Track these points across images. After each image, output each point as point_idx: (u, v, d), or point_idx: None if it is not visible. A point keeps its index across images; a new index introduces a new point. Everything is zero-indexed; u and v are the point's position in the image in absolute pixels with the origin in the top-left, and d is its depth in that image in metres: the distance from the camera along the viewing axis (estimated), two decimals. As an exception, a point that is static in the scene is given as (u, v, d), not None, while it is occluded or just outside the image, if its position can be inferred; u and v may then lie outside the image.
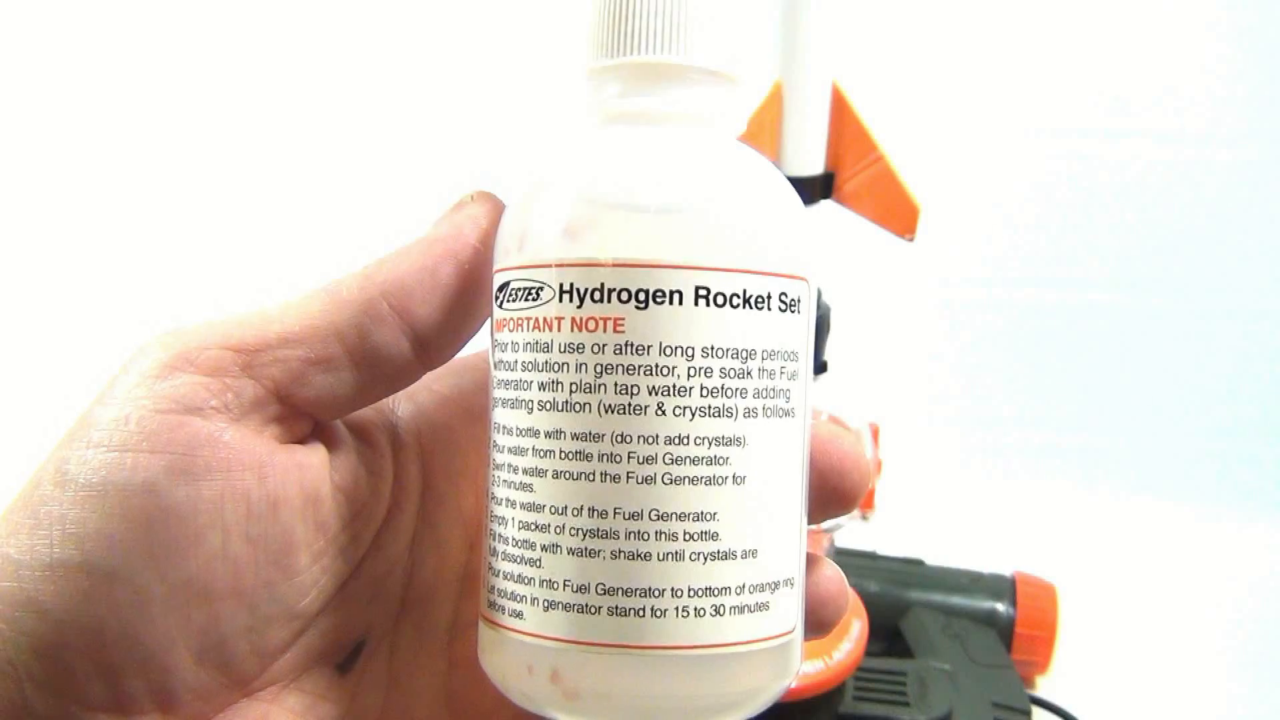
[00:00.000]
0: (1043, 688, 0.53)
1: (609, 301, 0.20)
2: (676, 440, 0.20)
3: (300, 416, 0.22)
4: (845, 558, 0.53)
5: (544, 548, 0.20)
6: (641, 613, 0.20)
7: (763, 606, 0.21)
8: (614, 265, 0.20)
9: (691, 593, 0.20)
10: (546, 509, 0.20)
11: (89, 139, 0.73)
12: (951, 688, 0.45)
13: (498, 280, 0.22)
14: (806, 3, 0.33)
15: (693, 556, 0.20)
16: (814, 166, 0.36)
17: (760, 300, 0.21)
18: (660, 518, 0.20)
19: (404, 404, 0.25)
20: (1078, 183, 0.72)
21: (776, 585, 0.21)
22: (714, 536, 0.20)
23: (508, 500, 0.21)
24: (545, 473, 0.20)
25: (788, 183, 0.22)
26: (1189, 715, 0.52)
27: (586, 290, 0.20)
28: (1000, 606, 0.52)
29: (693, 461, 0.20)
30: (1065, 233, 0.73)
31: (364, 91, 0.73)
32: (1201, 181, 0.71)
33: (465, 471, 0.25)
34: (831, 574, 0.24)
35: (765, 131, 0.35)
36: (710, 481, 0.20)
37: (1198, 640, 0.58)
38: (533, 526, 0.21)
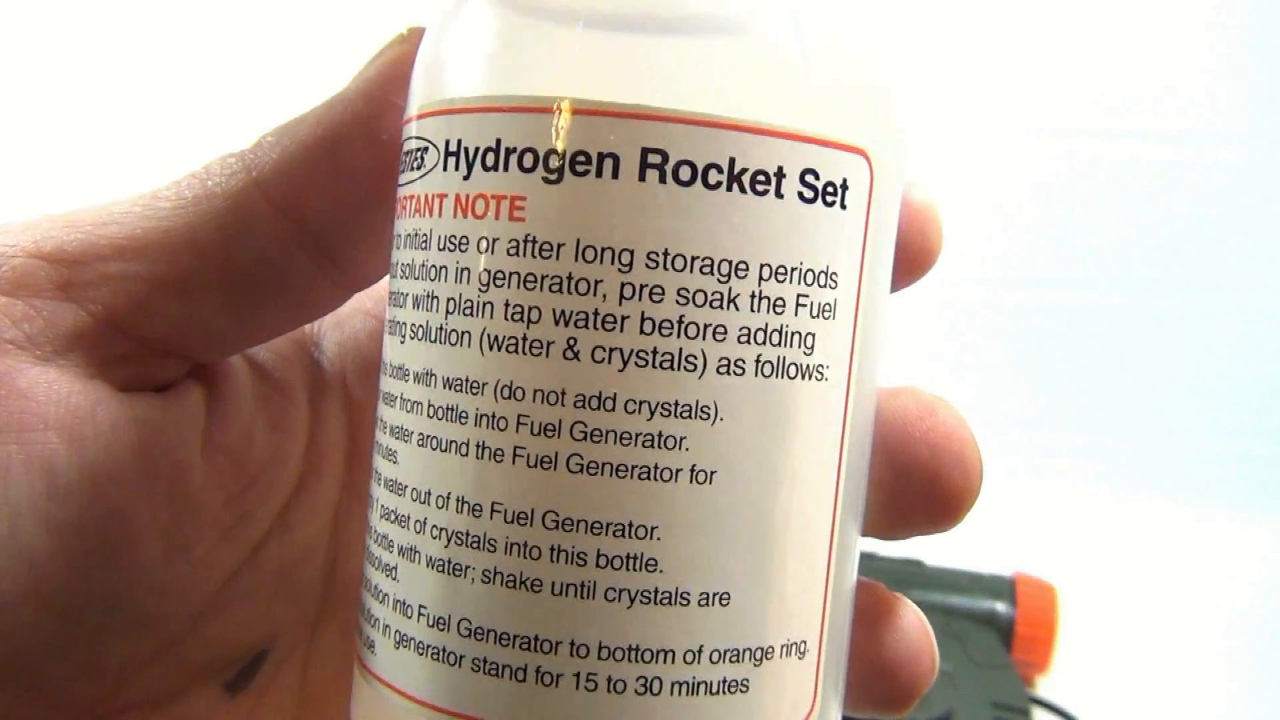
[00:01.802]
0: (1043, 688, 0.53)
1: (505, 170, 0.13)
2: (595, 401, 0.13)
3: (162, 357, 0.16)
4: (845, 558, 0.53)
5: (401, 551, 0.14)
6: (521, 674, 0.13)
7: (737, 686, 0.13)
8: (515, 109, 0.12)
9: (605, 652, 0.13)
10: (408, 492, 0.14)
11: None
12: (951, 688, 0.45)
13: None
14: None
15: (610, 594, 0.13)
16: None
17: (763, 179, 0.12)
18: (560, 525, 0.13)
19: (329, 332, 0.19)
20: (1078, 183, 0.72)
21: (767, 653, 0.13)
22: (650, 565, 0.13)
23: (375, 472, 0.15)
24: (410, 436, 0.14)
25: None
26: (1189, 715, 0.52)
27: (476, 151, 0.13)
28: (1000, 606, 0.52)
29: (621, 439, 0.13)
30: (1065, 233, 0.73)
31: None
32: (1201, 181, 0.71)
33: None
34: (908, 625, 0.17)
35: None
36: (649, 474, 0.13)
37: (1198, 640, 0.58)
38: (394, 517, 0.14)
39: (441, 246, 0.13)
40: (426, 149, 0.14)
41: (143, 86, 0.72)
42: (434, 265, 0.13)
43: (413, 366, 0.14)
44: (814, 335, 0.13)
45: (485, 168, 0.13)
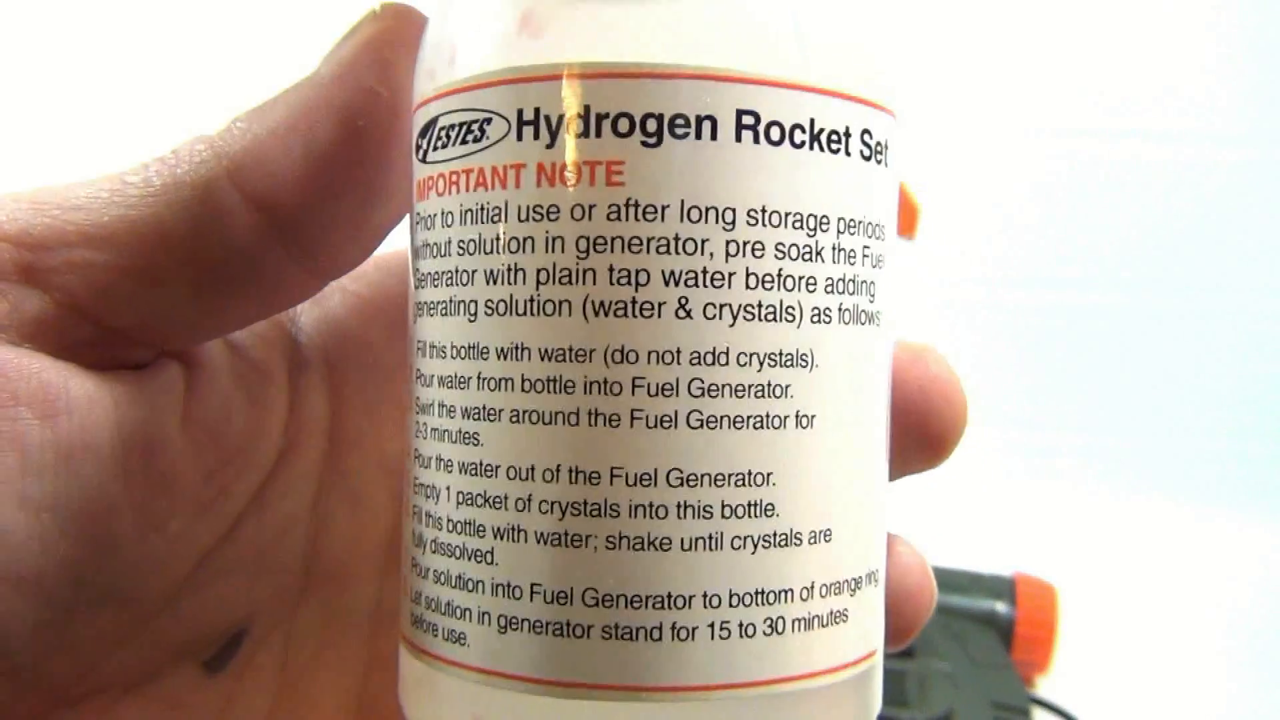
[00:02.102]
0: (1043, 688, 0.53)
1: (598, 135, 0.13)
2: (710, 358, 0.13)
3: (131, 343, 0.16)
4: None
5: (498, 533, 0.13)
6: (657, 634, 0.13)
7: (839, 616, 0.14)
8: (605, 75, 0.13)
9: (735, 599, 0.13)
10: (501, 472, 0.13)
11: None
12: (951, 688, 0.45)
13: (419, 120, 0.15)
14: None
15: (736, 543, 0.13)
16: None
17: (836, 138, 0.13)
18: (685, 482, 0.13)
19: (307, 308, 0.18)
20: (1078, 183, 0.72)
21: (858, 582, 0.14)
22: (769, 511, 0.13)
23: (439, 460, 0.14)
24: (499, 414, 0.13)
25: None
26: (1189, 715, 0.52)
27: (561, 119, 0.13)
28: (1000, 606, 0.52)
29: (736, 392, 0.13)
30: (1065, 233, 0.73)
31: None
32: (1201, 181, 0.71)
33: (390, 401, 0.19)
34: (911, 558, 0.18)
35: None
36: (763, 424, 0.13)
37: (1198, 640, 0.58)
38: (480, 500, 0.14)
39: (524, 218, 0.13)
40: (489, 120, 0.13)
41: (114, 60, 0.72)
42: (515, 237, 0.13)
43: (493, 343, 0.13)
44: (874, 284, 0.14)
45: (574, 135, 0.13)
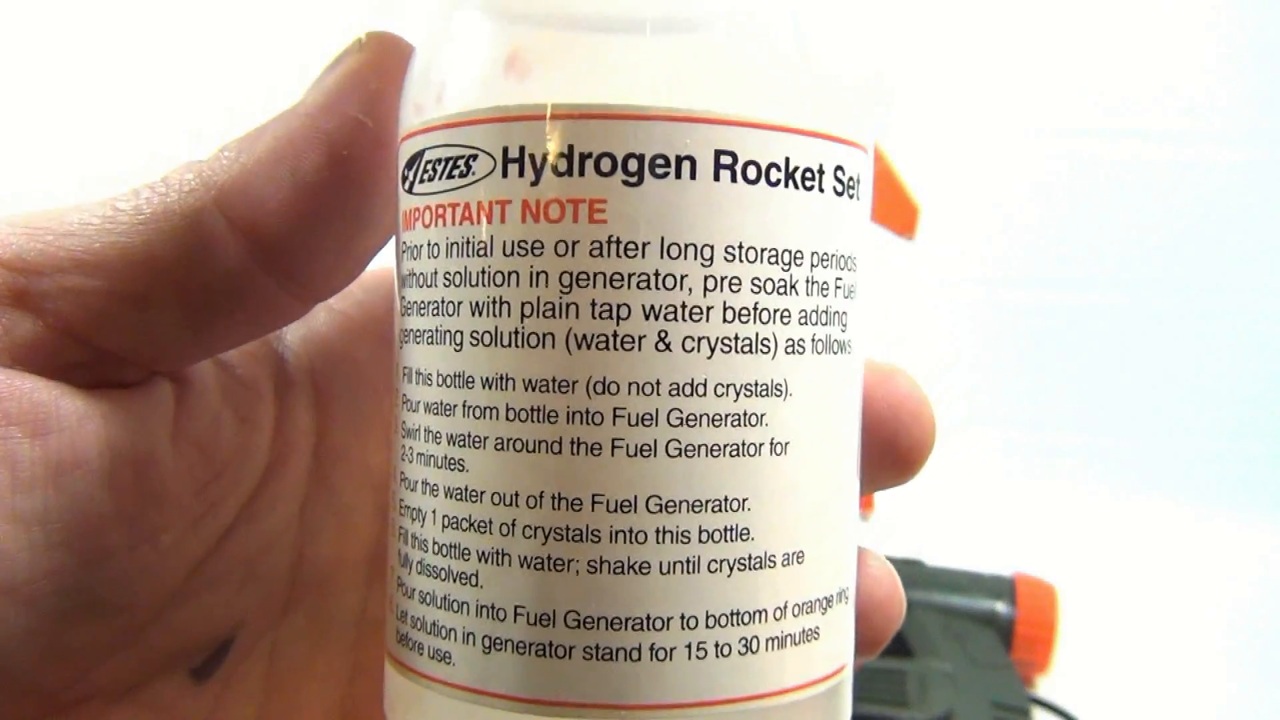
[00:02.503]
0: (1043, 688, 0.53)
1: (581, 174, 0.13)
2: (688, 389, 0.13)
3: (122, 364, 0.16)
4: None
5: (483, 557, 0.14)
6: (636, 654, 0.13)
7: (811, 635, 0.15)
8: (588, 116, 0.13)
9: (711, 621, 0.14)
10: (486, 498, 0.14)
11: None
12: (951, 688, 0.45)
13: (405, 152, 0.15)
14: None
15: (713, 566, 0.14)
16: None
17: (810, 176, 0.14)
18: (664, 508, 0.13)
19: (294, 327, 0.19)
20: (1078, 183, 0.72)
21: (830, 601, 0.15)
22: (744, 535, 0.14)
23: (425, 484, 0.15)
24: (484, 442, 0.14)
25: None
26: (1189, 715, 0.52)
27: (545, 157, 0.13)
28: (1000, 606, 0.52)
29: (713, 421, 0.14)
30: (1065, 233, 0.73)
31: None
32: (1201, 181, 0.71)
33: (375, 417, 0.19)
34: (880, 570, 0.18)
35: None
36: (739, 451, 0.14)
37: (1198, 640, 0.58)
38: (466, 524, 0.14)
39: (509, 252, 0.14)
40: (475, 156, 0.14)
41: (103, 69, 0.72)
42: (500, 271, 0.14)
43: (479, 372, 0.14)
44: (846, 314, 0.15)
45: (557, 173, 0.13)
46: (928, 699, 0.44)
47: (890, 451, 0.17)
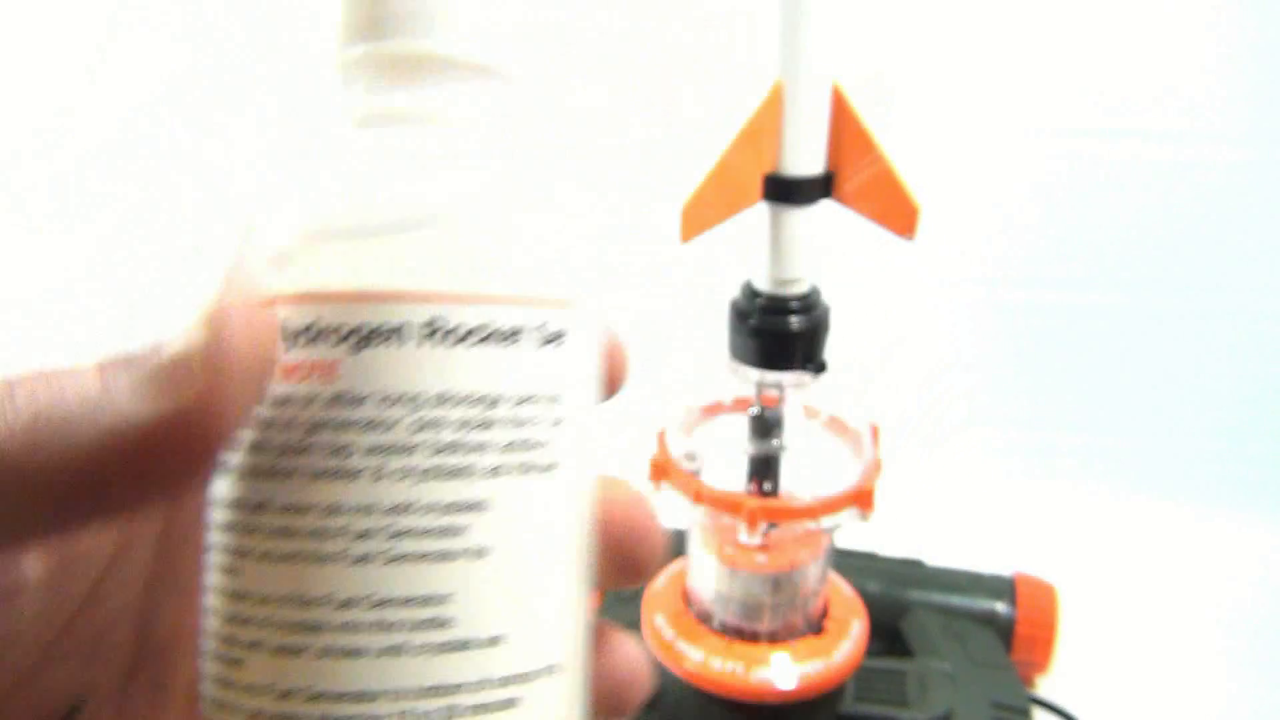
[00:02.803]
0: (1043, 688, 0.53)
1: (322, 343, 0.17)
2: (399, 509, 0.17)
3: None
4: (845, 558, 0.53)
5: (247, 645, 0.17)
6: None
7: (510, 703, 0.17)
8: (327, 298, 0.17)
9: (418, 694, 0.17)
10: (251, 598, 0.17)
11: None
12: (951, 688, 0.45)
13: None
14: (807, 3, 0.33)
15: (418, 650, 0.17)
16: (814, 166, 0.36)
17: (512, 334, 0.17)
18: (379, 605, 0.17)
19: None
20: (1078, 183, 0.72)
21: (531, 675, 0.18)
22: (447, 624, 0.17)
23: (214, 588, 0.18)
24: (250, 553, 0.17)
25: (571, 188, 0.19)
26: (1189, 715, 0.52)
27: (295, 331, 0.17)
28: (1000, 606, 0.52)
29: (419, 535, 0.17)
30: (1065, 233, 0.73)
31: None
32: (1201, 181, 0.71)
33: None
34: (629, 653, 0.21)
35: (765, 131, 0.35)
36: (441, 557, 0.17)
37: (1198, 640, 0.58)
38: (237, 620, 0.17)
39: (272, 404, 0.17)
40: None
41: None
42: (264, 419, 0.17)
43: (250, 499, 0.17)
44: (549, 442, 0.18)
45: (304, 343, 0.17)
46: (928, 699, 0.44)
47: (622, 563, 0.20)
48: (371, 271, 0.17)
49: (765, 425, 0.41)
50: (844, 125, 0.36)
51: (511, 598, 0.18)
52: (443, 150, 0.18)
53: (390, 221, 0.17)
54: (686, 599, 0.44)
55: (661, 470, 0.41)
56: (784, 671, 0.41)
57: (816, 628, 0.43)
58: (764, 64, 0.35)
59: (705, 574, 0.43)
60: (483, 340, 0.17)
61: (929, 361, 0.76)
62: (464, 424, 0.17)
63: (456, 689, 0.17)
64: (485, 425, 0.17)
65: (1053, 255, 0.73)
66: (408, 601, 0.17)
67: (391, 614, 0.17)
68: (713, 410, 0.44)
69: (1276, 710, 0.52)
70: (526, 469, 0.18)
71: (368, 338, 0.17)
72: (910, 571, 0.55)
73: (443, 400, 0.17)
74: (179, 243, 0.76)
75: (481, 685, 0.17)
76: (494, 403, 0.17)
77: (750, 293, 0.39)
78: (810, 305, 0.38)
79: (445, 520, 0.17)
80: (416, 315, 0.17)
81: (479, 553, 0.17)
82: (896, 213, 0.36)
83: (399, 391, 0.17)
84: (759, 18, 0.34)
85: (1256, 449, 0.73)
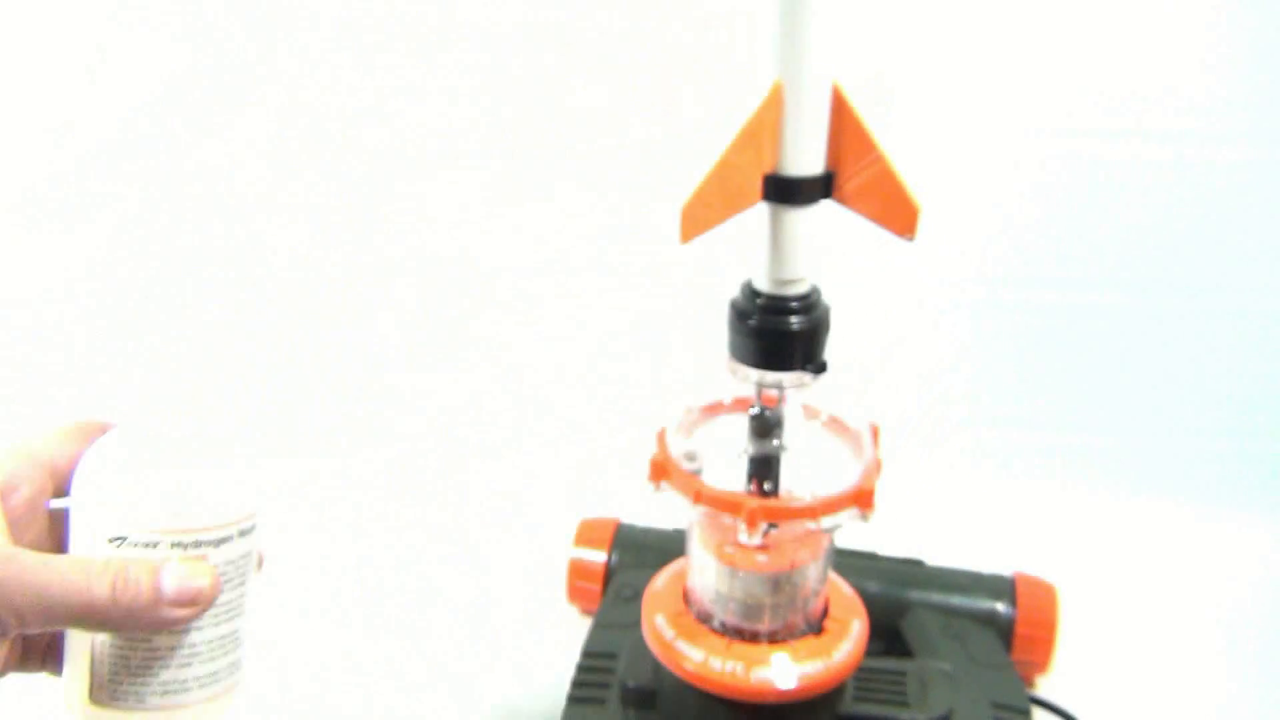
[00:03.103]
0: (1043, 688, 0.53)
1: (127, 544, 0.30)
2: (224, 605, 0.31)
3: None
4: (845, 558, 0.53)
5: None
6: None
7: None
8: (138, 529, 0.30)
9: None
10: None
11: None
12: (951, 688, 0.45)
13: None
14: (806, 3, 0.33)
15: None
16: (814, 166, 0.36)
17: (237, 534, 0.31)
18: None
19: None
20: (1078, 183, 0.72)
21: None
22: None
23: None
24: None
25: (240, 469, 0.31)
26: (1189, 715, 0.52)
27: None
28: (1000, 606, 0.52)
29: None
30: (1065, 233, 0.73)
31: None
32: (1201, 181, 0.71)
33: None
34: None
35: (765, 131, 0.35)
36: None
37: (1198, 640, 0.58)
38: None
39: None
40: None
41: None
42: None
43: None
44: (247, 575, 0.32)
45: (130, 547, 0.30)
46: (928, 699, 0.44)
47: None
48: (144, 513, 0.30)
49: (765, 425, 0.41)
50: (844, 125, 0.36)
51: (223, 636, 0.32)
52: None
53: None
54: (686, 599, 0.44)
55: (661, 470, 0.41)
56: (784, 671, 0.41)
57: (816, 628, 0.43)
58: (764, 64, 0.35)
59: (705, 574, 0.43)
60: (222, 541, 0.31)
61: (929, 361, 0.76)
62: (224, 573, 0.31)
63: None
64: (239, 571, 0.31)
65: (1053, 255, 0.73)
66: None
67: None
68: (713, 410, 0.44)
69: (1277, 710, 0.52)
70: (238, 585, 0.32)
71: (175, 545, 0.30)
72: (910, 571, 0.55)
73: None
74: (179, 243, 0.76)
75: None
76: (232, 561, 0.31)
77: (750, 293, 0.39)
78: (810, 305, 0.38)
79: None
80: (166, 538, 0.30)
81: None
82: (896, 213, 0.36)
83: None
84: (759, 18, 0.34)
85: (1256, 449, 0.73)
